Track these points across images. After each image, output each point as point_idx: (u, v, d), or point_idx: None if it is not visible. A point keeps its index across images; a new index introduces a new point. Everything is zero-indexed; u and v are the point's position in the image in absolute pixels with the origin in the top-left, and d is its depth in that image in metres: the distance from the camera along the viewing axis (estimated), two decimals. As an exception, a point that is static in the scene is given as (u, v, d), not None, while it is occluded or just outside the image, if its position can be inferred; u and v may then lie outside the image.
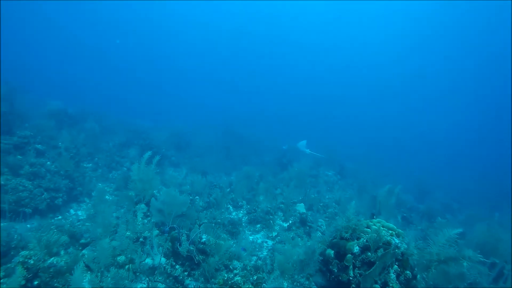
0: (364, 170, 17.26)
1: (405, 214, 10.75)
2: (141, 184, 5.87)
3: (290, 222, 7.85)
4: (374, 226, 4.18)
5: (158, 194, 7.90)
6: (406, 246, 3.93)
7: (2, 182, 6.40)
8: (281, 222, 8.14)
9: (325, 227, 7.85)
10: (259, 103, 40.61)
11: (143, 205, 5.94)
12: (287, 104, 42.73)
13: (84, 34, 51.43)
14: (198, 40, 57.52)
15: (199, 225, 6.08)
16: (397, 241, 3.97)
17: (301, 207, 8.74)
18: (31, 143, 7.87)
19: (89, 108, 14.86)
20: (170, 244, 4.66)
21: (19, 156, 7.33)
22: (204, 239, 4.72)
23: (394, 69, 54.08)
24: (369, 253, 3.87)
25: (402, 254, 3.86)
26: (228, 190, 9.13)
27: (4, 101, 9.74)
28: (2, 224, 6.16)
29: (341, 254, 4.20)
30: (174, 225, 4.91)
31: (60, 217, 7.01)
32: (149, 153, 5.96)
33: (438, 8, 36.71)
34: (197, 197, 8.54)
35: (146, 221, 5.78)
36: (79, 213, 7.50)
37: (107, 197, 8.63)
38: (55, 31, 47.96)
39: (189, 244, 4.50)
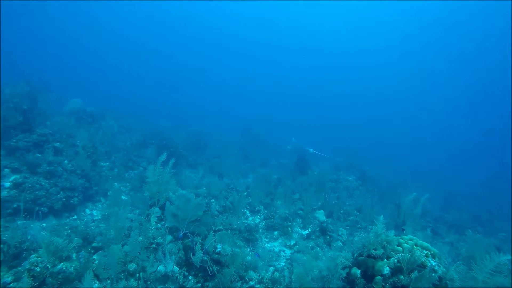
0: (383, 175, 16.61)
1: (430, 225, 10.11)
2: (155, 187, 5.68)
3: (310, 230, 7.46)
4: (406, 244, 3.75)
5: (173, 196, 7.72)
6: (444, 269, 3.48)
7: (20, 181, 6.39)
8: (299, 230, 7.77)
9: (346, 237, 7.41)
10: (276, 104, 40.32)
11: (157, 209, 5.73)
12: (300, 106, 42.35)
13: (108, 34, 52.84)
14: (215, 41, 57.91)
15: (214, 232, 5.81)
16: (433, 263, 3.54)
17: (321, 215, 8.33)
18: (50, 141, 7.88)
19: (109, 106, 14.99)
20: (183, 252, 4.41)
21: (38, 154, 7.33)
22: (219, 249, 4.44)
23: (399, 70, 53.03)
24: (401, 276, 3.45)
25: (440, 278, 3.41)
26: (245, 193, 8.82)
27: (27, 99, 9.90)
28: (18, 223, 6.13)
29: (368, 275, 3.79)
30: (188, 233, 4.65)
31: (75, 217, 6.94)
32: (164, 155, 5.76)
33: (438, 8, 36.63)
34: (213, 200, 8.30)
35: (159, 225, 5.56)
36: (94, 213, 7.42)
37: (122, 197, 8.53)
38: (78, 31, 49.49)
39: (203, 254, 4.23)
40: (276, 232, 7.34)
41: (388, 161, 23.90)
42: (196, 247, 4.24)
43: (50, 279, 3.62)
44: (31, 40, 42.88)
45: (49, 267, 3.75)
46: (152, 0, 46.17)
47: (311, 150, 12.80)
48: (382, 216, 4.10)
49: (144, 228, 5.36)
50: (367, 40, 50.32)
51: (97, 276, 3.69)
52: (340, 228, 7.45)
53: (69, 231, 6.02)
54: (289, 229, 7.46)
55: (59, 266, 3.79)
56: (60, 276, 3.67)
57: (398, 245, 3.82)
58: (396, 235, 4.06)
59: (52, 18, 45.10)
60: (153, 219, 5.69)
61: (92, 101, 15.05)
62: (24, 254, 4.47)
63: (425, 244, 3.77)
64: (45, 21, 45.21)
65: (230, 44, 59.01)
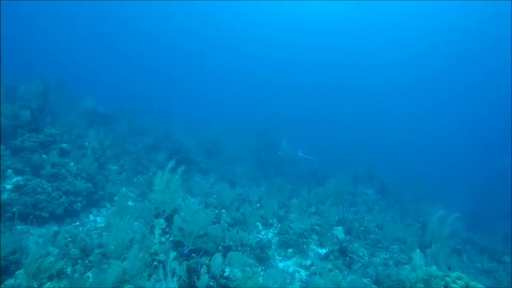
0: (401, 184, 15.67)
1: (458, 246, 9.22)
2: (161, 196, 5.20)
3: (327, 250, 6.80)
4: (454, 285, 3.09)
5: (182, 204, 7.24)
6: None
7: (21, 183, 6.06)
8: (315, 247, 7.14)
9: (367, 258, 6.71)
10: (289, 107, 39.75)
11: (162, 220, 5.24)
12: (311, 109, 41.74)
13: (123, 35, 53.73)
14: (228, 44, 58.12)
15: (224, 249, 5.27)
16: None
17: (339, 232, 7.66)
18: (57, 142, 7.58)
19: (122, 107, 14.80)
20: (186, 274, 3.88)
21: (44, 155, 7.02)
22: (227, 273, 3.89)
23: (402, 71, 52.25)
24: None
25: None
26: (257, 205, 8.27)
27: (39, 98, 9.72)
28: (18, 228, 5.78)
29: (406, 317, 3.15)
30: (193, 254, 4.12)
31: (77, 223, 6.55)
32: (173, 161, 5.29)
33: (438, 9, 35.88)
34: (223, 210, 7.78)
35: (164, 239, 5.06)
36: (98, 219, 7.02)
37: (129, 203, 8.12)
38: (97, 31, 50.50)
39: (209, 279, 3.69)
40: (290, 250, 6.72)
41: (400, 165, 22.96)
42: (202, 270, 3.70)
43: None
44: (49, 38, 43.99)
45: (35, 286, 3.29)
46: (170, 1, 46.65)
47: (300, 154, 12.66)
48: (418, 250, 3.45)
49: (146, 242, 4.87)
50: (377, 42, 49.50)
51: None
52: (361, 249, 6.75)
53: (69, 239, 5.62)
54: (305, 246, 6.84)
55: (45, 286, 3.33)
56: (45, 299, 3.21)
57: (445, 286, 3.15)
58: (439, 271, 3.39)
59: (72, 17, 46.23)
60: (157, 231, 5.19)
61: (107, 101, 14.96)
62: (12, 268, 4.04)
63: (480, 286, 3.09)
64: (65, 20, 46.37)
65: (238, 46, 59.20)
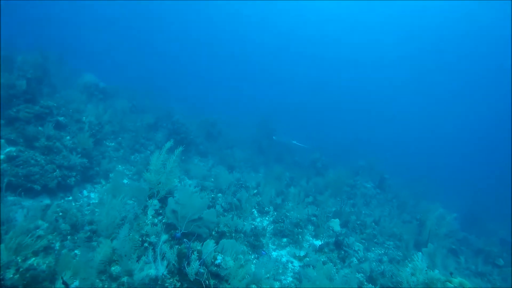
0: (401, 182, 15.58)
1: (453, 246, 9.13)
2: (157, 177, 5.05)
3: (323, 242, 6.70)
4: (456, 289, 2.94)
5: (178, 185, 7.11)
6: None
7: (14, 154, 5.90)
8: (311, 238, 7.04)
9: (362, 253, 6.62)
10: (298, 101, 39.31)
11: (155, 201, 5.11)
12: (319, 104, 41.43)
13: (129, 12, 52.56)
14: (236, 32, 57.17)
15: (217, 234, 5.15)
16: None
17: (335, 224, 7.56)
18: (53, 115, 7.38)
19: (125, 84, 14.50)
20: (176, 259, 3.76)
21: (40, 128, 6.83)
22: (219, 260, 3.76)
23: (402, 69, 52.00)
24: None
25: None
26: (255, 191, 8.14)
27: (38, 69, 9.45)
28: (9, 199, 5.67)
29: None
30: (185, 239, 3.98)
31: (70, 198, 6.43)
32: (171, 141, 5.11)
33: (438, 9, 35.74)
34: (219, 195, 7.66)
35: (156, 220, 4.94)
36: (92, 195, 6.90)
37: (125, 181, 8.02)
38: (100, 8, 49.41)
39: (200, 265, 3.57)
40: (285, 239, 6.63)
41: (400, 162, 22.87)
42: (193, 256, 3.57)
43: (16, 277, 3.04)
44: (50, 10, 42.94)
45: (19, 261, 3.16)
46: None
47: (294, 142, 12.73)
48: (420, 254, 3.28)
49: (138, 223, 4.75)
50: (382, 38, 48.81)
51: (65, 284, 3.05)
52: (357, 243, 6.65)
53: (60, 213, 5.50)
54: (300, 237, 6.74)
55: (29, 262, 3.20)
56: (28, 275, 3.08)
57: (445, 290, 3.00)
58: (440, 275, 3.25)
59: None
60: (150, 212, 5.07)
61: (109, 77, 14.64)
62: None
63: (482, 292, 2.95)
64: None
65: (244, 35, 58.39)
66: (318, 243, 6.80)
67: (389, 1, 38.17)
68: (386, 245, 7.69)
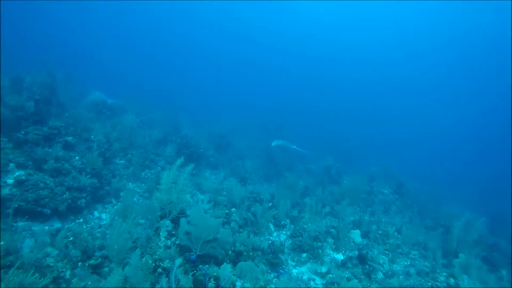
0: (418, 186, 15.03)
1: (484, 253, 8.58)
2: (167, 196, 4.82)
3: (345, 256, 6.33)
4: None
5: (189, 204, 6.90)
6: None
7: (23, 178, 5.77)
8: (331, 252, 6.68)
9: (388, 266, 6.23)
10: (305, 105, 39.10)
11: (168, 222, 4.87)
12: (326, 108, 41.24)
13: (132, 27, 53.57)
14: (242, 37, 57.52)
15: (234, 254, 4.88)
16: None
17: (356, 235, 7.18)
18: (62, 135, 7.29)
19: (132, 99, 14.50)
20: (192, 286, 3.49)
21: (48, 149, 6.73)
22: (238, 287, 3.48)
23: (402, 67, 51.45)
24: None
25: None
26: (269, 204, 7.84)
27: (46, 89, 9.46)
28: (20, 224, 5.53)
29: None
30: (200, 265, 3.72)
31: (81, 220, 6.26)
32: (181, 159, 4.89)
33: (438, 8, 35.10)
34: (233, 209, 7.38)
35: (170, 242, 4.70)
36: (103, 216, 6.73)
37: (135, 199, 7.85)
38: (105, 22, 50.50)
39: (218, 293, 3.30)
40: (304, 255, 6.29)
41: (413, 164, 22.28)
42: (210, 284, 3.30)
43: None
44: (56, 28, 44.08)
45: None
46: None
47: (294, 147, 12.65)
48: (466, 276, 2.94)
49: (151, 245, 4.52)
50: (384, 40, 48.65)
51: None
52: (381, 256, 6.27)
53: (70, 238, 5.32)
54: (320, 251, 6.40)
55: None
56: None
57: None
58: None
59: (81, 8, 46.29)
60: (162, 233, 4.83)
61: (116, 93, 14.68)
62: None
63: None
64: (74, 10, 46.45)
65: (248, 38, 58.62)
66: (339, 257, 6.44)
67: (391, 1, 38.08)
68: (411, 255, 7.26)
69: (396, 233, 7.89)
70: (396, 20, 41.63)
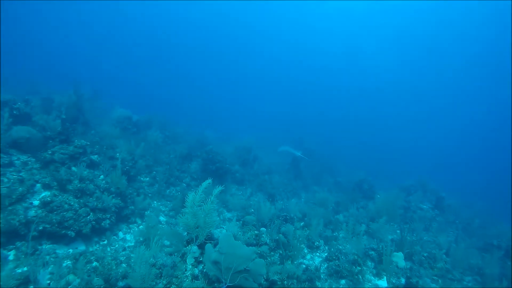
0: (459, 199, 13.85)
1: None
2: (194, 220, 4.44)
3: (390, 285, 5.64)
4: None
5: (215, 222, 6.49)
6: None
7: (48, 199, 5.63)
8: (372, 278, 6.00)
9: (440, 297, 5.46)
10: (328, 116, 38.51)
11: (195, 247, 4.49)
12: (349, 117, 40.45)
13: (155, 41, 55.36)
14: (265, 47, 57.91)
15: (267, 282, 4.38)
16: None
17: (399, 259, 6.44)
18: (87, 153, 7.20)
19: (155, 114, 14.55)
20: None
21: (74, 168, 6.63)
22: (278, 331, 3.00)
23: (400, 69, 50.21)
24: None
25: None
26: (301, 224, 7.29)
27: (72, 108, 9.57)
28: (44, 247, 5.35)
29: None
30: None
31: (105, 242, 6.02)
32: (208, 181, 4.52)
33: (438, 8, 35.59)
34: (263, 229, 6.90)
35: (197, 270, 4.29)
36: (128, 237, 6.47)
37: (161, 218, 7.57)
38: (129, 39, 52.56)
39: None
40: (343, 281, 5.67)
41: (445, 174, 20.92)
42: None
43: None
44: (82, 48, 46.31)
45: None
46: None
47: (298, 154, 12.37)
48: None
49: (177, 275, 4.13)
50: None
51: None
52: (433, 285, 5.52)
53: (94, 263, 5.07)
54: (360, 277, 5.75)
55: None
56: None
57: None
58: None
59: (103, 24, 48.62)
60: (189, 260, 4.44)
61: (140, 109, 14.82)
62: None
63: None
64: (97, 27, 48.86)
65: (266, 51, 58.97)
66: (383, 284, 5.75)
67: (392, 1, 37.42)
68: (465, 283, 6.41)
69: (444, 255, 7.06)
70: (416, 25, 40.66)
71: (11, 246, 4.98)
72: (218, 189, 4.28)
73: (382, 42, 48.04)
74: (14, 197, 5.42)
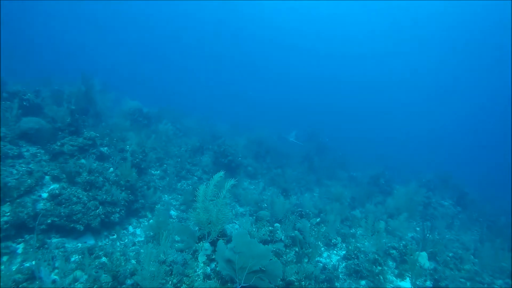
0: (481, 195, 13.23)
1: None
2: (205, 215, 4.17)
3: (414, 287, 5.27)
4: None
5: (228, 216, 6.24)
6: None
7: (57, 192, 5.47)
8: (394, 279, 5.65)
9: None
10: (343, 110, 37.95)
11: (207, 244, 4.23)
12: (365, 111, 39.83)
13: (168, 34, 55.28)
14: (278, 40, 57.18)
15: (283, 282, 4.09)
16: None
17: (423, 259, 6.04)
18: (97, 145, 7.02)
19: (166, 106, 14.37)
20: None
21: (83, 160, 6.46)
22: None
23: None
24: None
25: None
26: (317, 220, 6.96)
27: (83, 100, 9.44)
28: (53, 241, 5.20)
29: None
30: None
31: (114, 236, 5.84)
32: (220, 173, 4.24)
33: (438, 8, 35.49)
34: (277, 224, 6.60)
35: (209, 269, 4.03)
36: (138, 231, 6.29)
37: (172, 212, 7.37)
38: (139, 32, 52.65)
39: None
40: (363, 282, 5.33)
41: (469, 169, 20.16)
42: None
43: None
44: (93, 39, 46.67)
45: None
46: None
47: (291, 139, 12.75)
48: None
49: (188, 274, 3.87)
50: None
51: None
52: (462, 288, 5.11)
53: (102, 259, 4.89)
54: (381, 277, 5.40)
55: None
56: None
57: None
58: None
59: (114, 18, 48.77)
60: (201, 258, 4.19)
61: (151, 101, 14.67)
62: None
63: None
64: (109, 21, 49.09)
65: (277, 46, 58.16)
66: (406, 286, 5.38)
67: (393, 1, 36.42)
68: (496, 287, 5.97)
69: (472, 256, 6.61)
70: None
71: (20, 239, 4.83)
72: (230, 182, 3.98)
73: (396, 35, 46.80)
74: (22, 189, 5.27)
